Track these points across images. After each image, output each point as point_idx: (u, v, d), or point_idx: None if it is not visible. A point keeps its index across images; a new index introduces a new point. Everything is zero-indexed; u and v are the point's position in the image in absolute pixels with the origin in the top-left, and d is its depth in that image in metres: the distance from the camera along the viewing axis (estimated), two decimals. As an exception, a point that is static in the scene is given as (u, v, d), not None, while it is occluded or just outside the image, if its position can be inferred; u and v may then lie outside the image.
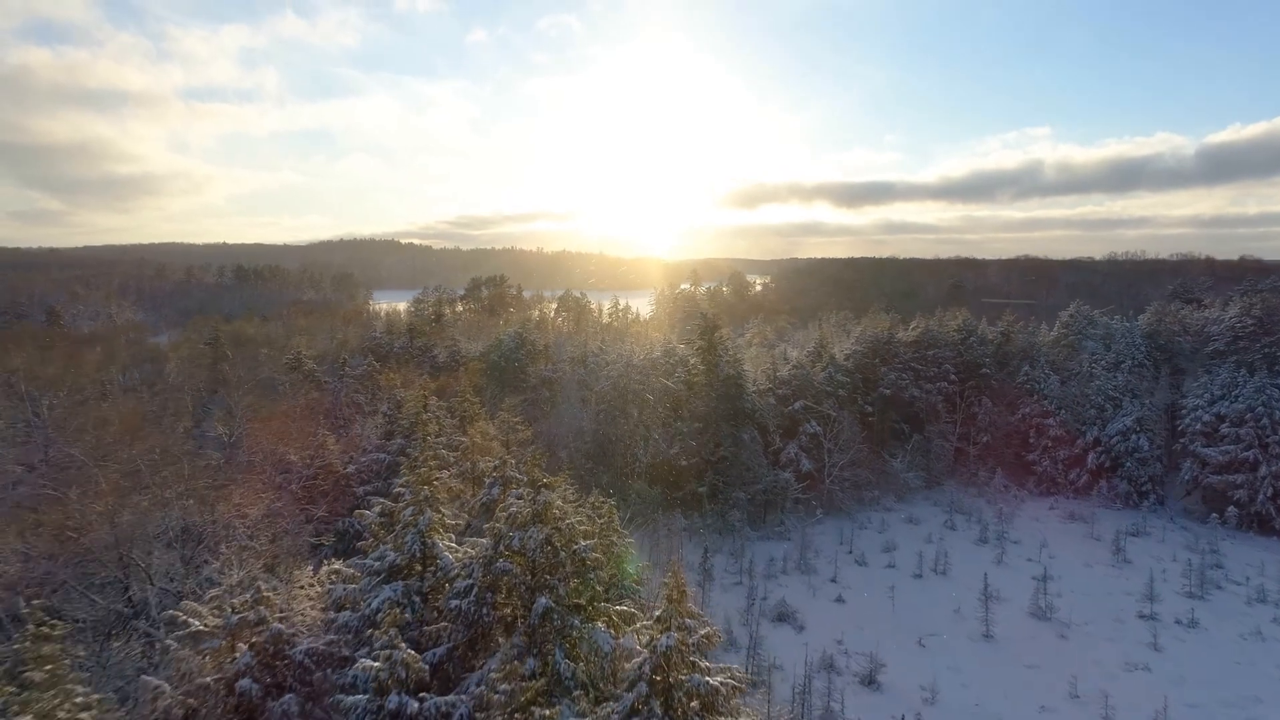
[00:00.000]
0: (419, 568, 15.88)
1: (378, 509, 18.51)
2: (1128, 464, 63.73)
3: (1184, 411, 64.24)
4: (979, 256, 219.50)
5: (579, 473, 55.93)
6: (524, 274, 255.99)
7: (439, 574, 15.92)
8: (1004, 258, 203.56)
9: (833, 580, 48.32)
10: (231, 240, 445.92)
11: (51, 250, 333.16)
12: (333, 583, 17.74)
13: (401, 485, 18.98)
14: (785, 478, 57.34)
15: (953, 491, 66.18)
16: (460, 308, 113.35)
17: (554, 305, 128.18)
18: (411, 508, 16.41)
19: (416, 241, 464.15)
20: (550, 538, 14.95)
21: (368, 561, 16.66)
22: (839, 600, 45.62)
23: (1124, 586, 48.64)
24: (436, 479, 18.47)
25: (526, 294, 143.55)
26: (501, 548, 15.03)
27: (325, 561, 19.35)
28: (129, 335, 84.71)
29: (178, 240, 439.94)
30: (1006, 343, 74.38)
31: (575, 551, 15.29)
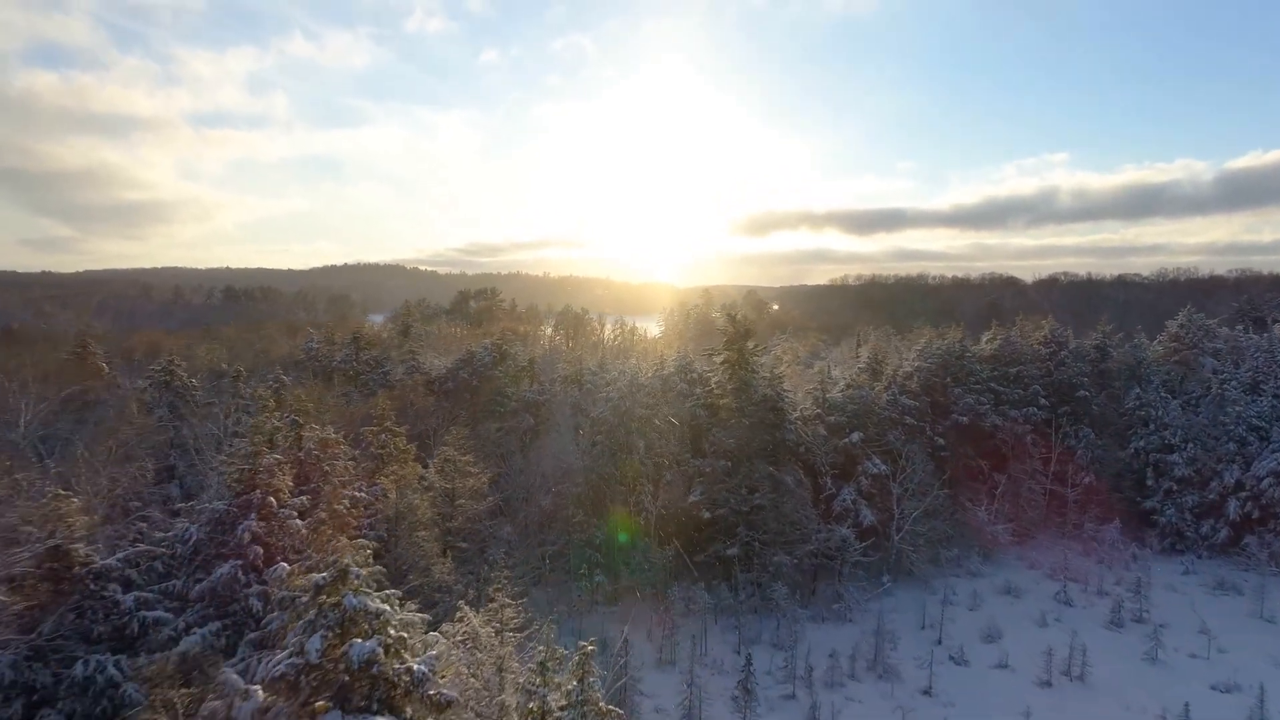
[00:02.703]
0: None
1: None
2: (1285, 514, 48.74)
3: (1360, 446, 49.36)
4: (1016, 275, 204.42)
5: (566, 528, 41.74)
6: (528, 298, 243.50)
7: None
8: (1041, 276, 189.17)
9: (926, 693, 33.53)
10: (235, 265, 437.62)
11: (44, 273, 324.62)
12: None
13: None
14: (843, 535, 42.78)
15: (1052, 548, 51.40)
16: (445, 323, 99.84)
17: (549, 328, 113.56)
18: None
19: (422, 267, 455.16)
20: None
21: None
22: (944, 730, 30.84)
23: (1349, 702, 33.59)
24: None
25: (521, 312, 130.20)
26: None
27: None
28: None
29: (183, 265, 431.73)
30: (1103, 359, 59.89)
31: None
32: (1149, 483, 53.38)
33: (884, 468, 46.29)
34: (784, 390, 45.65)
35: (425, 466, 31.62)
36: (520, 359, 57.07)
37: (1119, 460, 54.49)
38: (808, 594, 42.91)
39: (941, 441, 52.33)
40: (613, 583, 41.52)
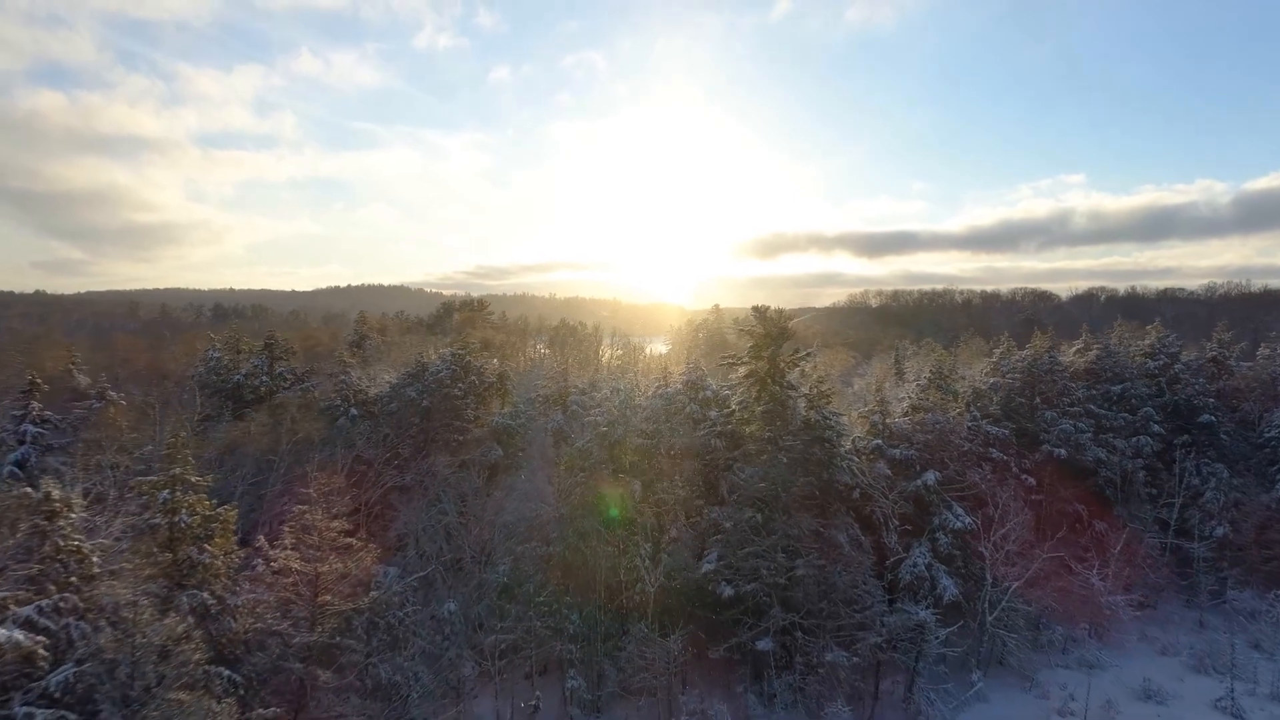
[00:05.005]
0: None
1: None
2: None
3: None
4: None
5: (528, 607, 29.75)
6: (532, 317, 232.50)
7: None
8: (1078, 291, 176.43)
9: None
10: (239, 287, 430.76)
11: (37, 292, 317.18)
12: None
13: None
14: (921, 618, 30.35)
15: (1183, 625, 38.94)
16: (424, 335, 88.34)
17: (543, 346, 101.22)
18: None
19: (428, 289, 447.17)
20: None
21: None
22: None
23: None
24: None
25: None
26: None
27: None
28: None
29: (187, 287, 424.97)
30: (1220, 375, 47.61)
31: None
32: (1305, 536, 40.81)
33: (968, 520, 34.01)
34: (832, 414, 33.56)
35: (275, 540, 19.97)
36: (489, 374, 45.34)
37: (1262, 506, 41.97)
38: (869, 702, 30.48)
39: (1033, 481, 40.00)
40: (594, 688, 29.29)
